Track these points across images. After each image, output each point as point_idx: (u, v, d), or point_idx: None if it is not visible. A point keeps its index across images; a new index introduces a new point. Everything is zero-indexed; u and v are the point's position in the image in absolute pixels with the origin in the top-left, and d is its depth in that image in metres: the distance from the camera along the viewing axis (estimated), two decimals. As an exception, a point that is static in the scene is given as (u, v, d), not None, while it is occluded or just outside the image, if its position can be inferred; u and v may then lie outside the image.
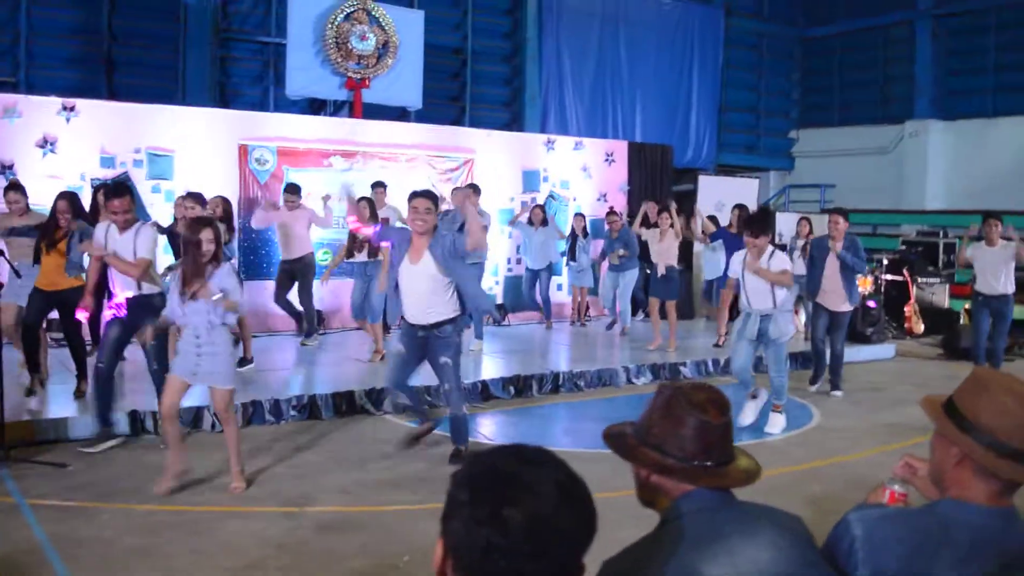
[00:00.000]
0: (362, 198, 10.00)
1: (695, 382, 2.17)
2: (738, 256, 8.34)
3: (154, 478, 6.05)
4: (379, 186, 11.35)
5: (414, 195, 6.60)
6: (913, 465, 2.47)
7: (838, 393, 9.87)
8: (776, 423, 8.19)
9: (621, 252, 12.42)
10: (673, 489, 2.02)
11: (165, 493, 5.89)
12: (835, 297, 9.71)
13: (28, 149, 10.46)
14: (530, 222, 12.88)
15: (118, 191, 6.90)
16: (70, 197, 8.01)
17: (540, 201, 13.95)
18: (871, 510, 2.12)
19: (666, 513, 2.02)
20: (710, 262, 13.21)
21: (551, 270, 13.11)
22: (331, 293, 12.01)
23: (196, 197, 8.87)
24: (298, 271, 10.73)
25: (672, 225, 11.50)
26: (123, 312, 6.92)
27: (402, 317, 6.75)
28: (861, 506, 2.16)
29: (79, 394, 7.85)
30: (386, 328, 10.68)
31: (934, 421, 2.13)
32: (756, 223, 8.27)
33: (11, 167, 10.32)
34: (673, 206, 11.80)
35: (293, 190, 10.81)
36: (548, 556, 1.32)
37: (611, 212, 13.16)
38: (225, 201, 9.61)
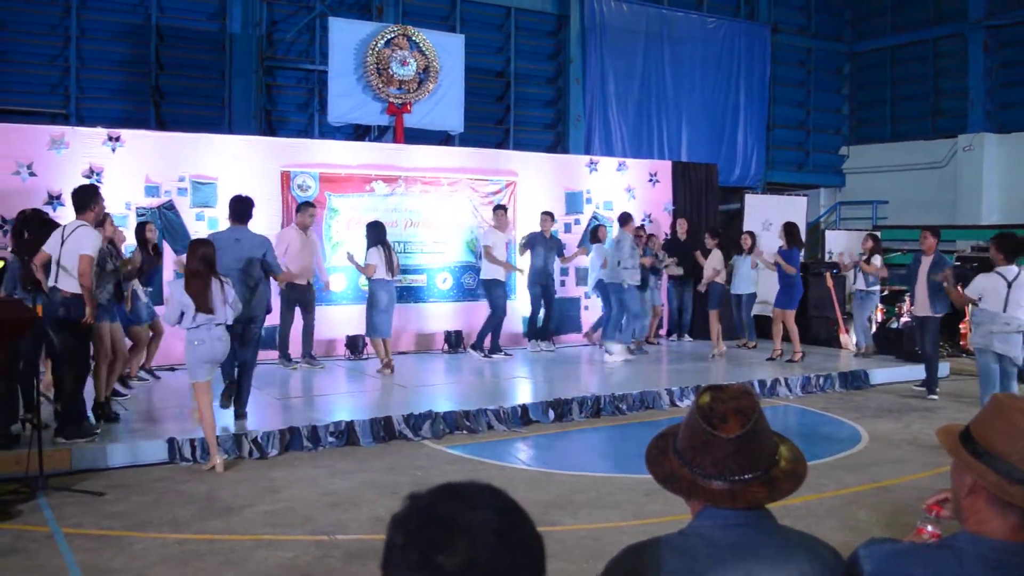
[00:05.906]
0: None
1: (736, 386, 1.99)
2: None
3: (189, 506, 6.06)
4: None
5: None
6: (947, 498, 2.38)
7: (933, 397, 10.62)
8: None
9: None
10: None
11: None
12: (921, 305, 10.74)
13: (75, 179, 10.60)
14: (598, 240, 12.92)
15: None
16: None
17: (583, 223, 13.95)
18: (882, 545, 2.02)
19: (692, 522, 1.93)
20: (744, 278, 13.08)
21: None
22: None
23: None
24: (305, 298, 11.01)
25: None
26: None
27: None
28: (873, 540, 2.06)
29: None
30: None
31: (948, 450, 2.02)
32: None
33: (59, 197, 10.50)
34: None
35: (310, 205, 11.07)
36: None
37: (641, 227, 13.24)
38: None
